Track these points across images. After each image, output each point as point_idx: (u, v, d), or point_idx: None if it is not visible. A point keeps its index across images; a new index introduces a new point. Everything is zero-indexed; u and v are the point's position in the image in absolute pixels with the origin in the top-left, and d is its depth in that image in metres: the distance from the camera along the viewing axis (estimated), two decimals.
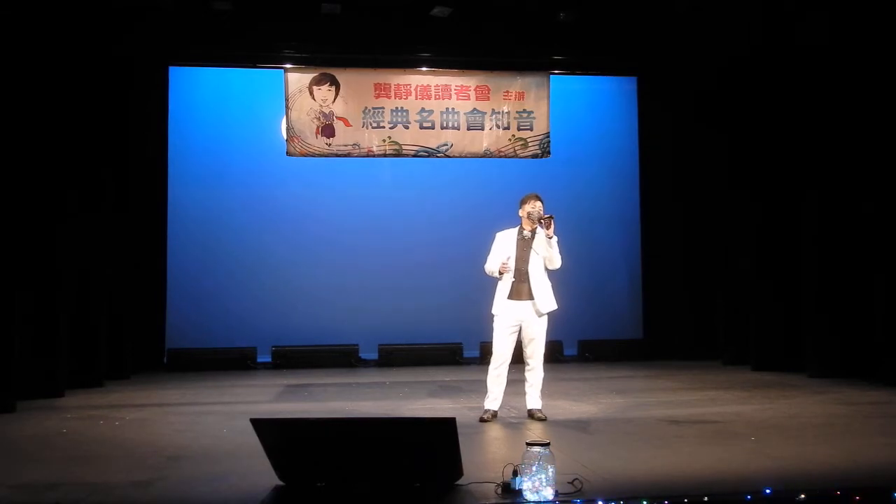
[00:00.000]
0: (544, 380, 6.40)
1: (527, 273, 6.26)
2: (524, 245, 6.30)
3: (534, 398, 6.34)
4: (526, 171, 10.76)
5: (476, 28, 9.87)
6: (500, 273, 6.26)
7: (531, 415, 6.31)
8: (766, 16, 9.34)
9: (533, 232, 6.29)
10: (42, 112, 7.84)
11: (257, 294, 10.93)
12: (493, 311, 6.35)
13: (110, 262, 9.22)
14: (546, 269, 6.33)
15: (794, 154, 9.27)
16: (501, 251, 6.33)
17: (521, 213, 6.36)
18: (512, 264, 6.25)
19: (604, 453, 5.08)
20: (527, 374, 6.36)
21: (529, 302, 6.26)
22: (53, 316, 7.91)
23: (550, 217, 6.16)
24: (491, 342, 6.40)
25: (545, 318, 6.31)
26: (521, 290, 6.26)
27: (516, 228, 6.37)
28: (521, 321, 6.27)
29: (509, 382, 6.40)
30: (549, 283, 6.34)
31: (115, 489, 4.32)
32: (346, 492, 4.19)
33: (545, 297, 6.28)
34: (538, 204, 6.28)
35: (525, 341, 6.31)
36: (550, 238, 6.17)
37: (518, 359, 6.37)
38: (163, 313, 10.67)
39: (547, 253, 6.23)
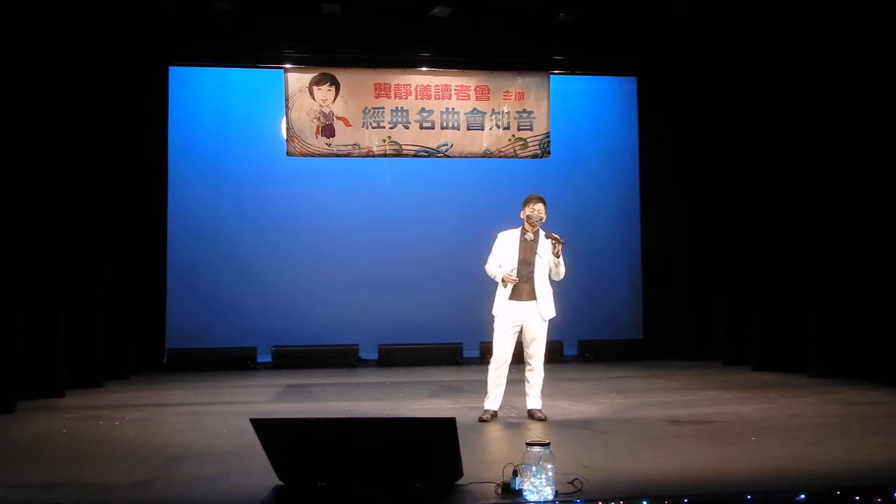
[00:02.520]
0: (544, 380, 6.40)
1: (530, 274, 6.25)
2: (527, 247, 6.27)
3: (534, 398, 6.34)
4: (526, 171, 10.77)
5: (476, 28, 9.86)
6: (504, 282, 6.23)
7: (531, 415, 6.31)
8: (766, 16, 9.34)
9: (536, 234, 6.28)
10: (42, 112, 7.84)
11: (257, 294, 10.94)
12: (494, 311, 6.32)
13: (110, 262, 9.22)
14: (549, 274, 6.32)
15: (795, 154, 9.26)
16: (503, 252, 6.31)
17: (521, 215, 6.34)
18: (515, 271, 6.21)
19: (604, 453, 5.08)
20: (527, 375, 6.35)
21: (532, 302, 6.24)
22: (53, 316, 7.91)
23: (561, 242, 6.13)
24: (491, 342, 6.39)
25: (547, 320, 6.31)
26: (522, 290, 6.24)
27: (519, 229, 6.35)
28: (523, 322, 6.26)
29: (509, 382, 6.39)
30: (550, 289, 6.31)
31: (115, 489, 4.32)
32: (346, 492, 4.19)
33: (547, 301, 6.26)
34: (538, 206, 6.26)
35: (526, 342, 6.30)
36: (558, 257, 6.17)
37: (518, 359, 6.37)
38: (163, 313, 10.68)
39: (552, 264, 6.23)
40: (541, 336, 6.28)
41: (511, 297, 6.24)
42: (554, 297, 6.34)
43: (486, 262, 6.41)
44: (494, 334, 6.31)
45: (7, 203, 7.21)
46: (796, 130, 9.20)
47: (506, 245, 6.32)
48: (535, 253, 6.25)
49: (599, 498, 3.93)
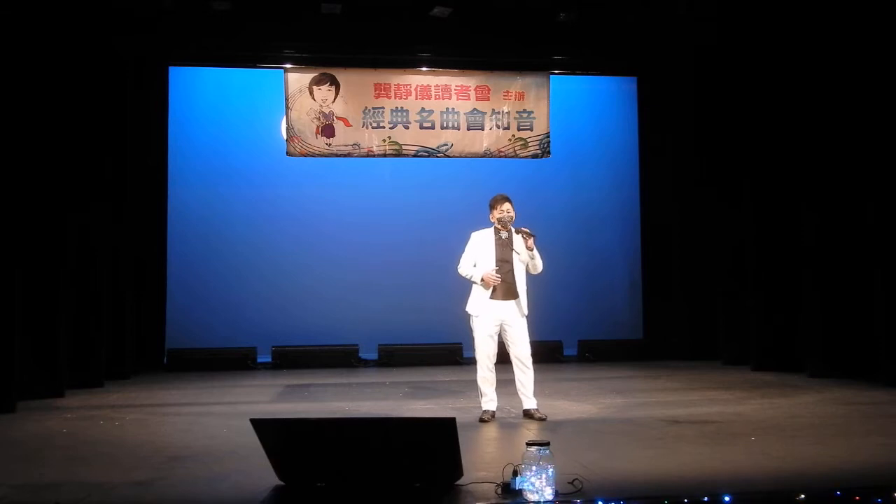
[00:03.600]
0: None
1: (509, 272, 6.23)
2: (503, 245, 6.27)
3: (529, 399, 6.31)
4: (526, 171, 10.78)
5: (476, 28, 9.86)
6: (485, 282, 6.17)
7: (530, 415, 6.27)
8: (766, 16, 9.34)
9: (510, 232, 6.28)
10: (42, 113, 7.84)
11: (257, 294, 10.95)
12: (472, 311, 6.28)
13: (110, 262, 9.22)
14: (528, 272, 6.32)
15: (794, 153, 9.26)
16: (478, 252, 6.29)
17: (491, 218, 6.33)
18: (493, 258, 6.21)
19: (604, 453, 5.08)
20: (518, 376, 6.29)
21: (512, 302, 6.23)
22: (53, 316, 7.91)
23: (532, 235, 6.14)
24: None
25: (525, 316, 6.30)
26: (501, 289, 6.21)
27: (492, 229, 6.34)
28: (503, 321, 6.23)
29: (505, 383, 6.39)
30: (525, 287, 6.30)
31: (115, 489, 4.32)
32: (346, 492, 4.19)
33: (525, 298, 6.26)
34: (506, 206, 6.26)
35: (509, 342, 6.26)
36: (531, 251, 6.16)
37: (503, 358, 6.35)
38: (163, 313, 10.68)
39: (531, 265, 6.23)
40: (522, 334, 6.25)
41: (492, 297, 6.22)
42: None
43: (458, 264, 6.38)
44: (475, 335, 6.30)
45: (7, 203, 7.21)
46: (796, 129, 9.20)
47: (481, 245, 6.31)
48: (513, 250, 6.25)
49: (599, 498, 3.92)
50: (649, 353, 11.06)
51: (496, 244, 6.27)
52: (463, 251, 6.40)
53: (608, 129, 11.83)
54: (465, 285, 6.43)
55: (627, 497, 3.96)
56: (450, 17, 9.56)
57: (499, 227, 6.29)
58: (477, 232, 6.39)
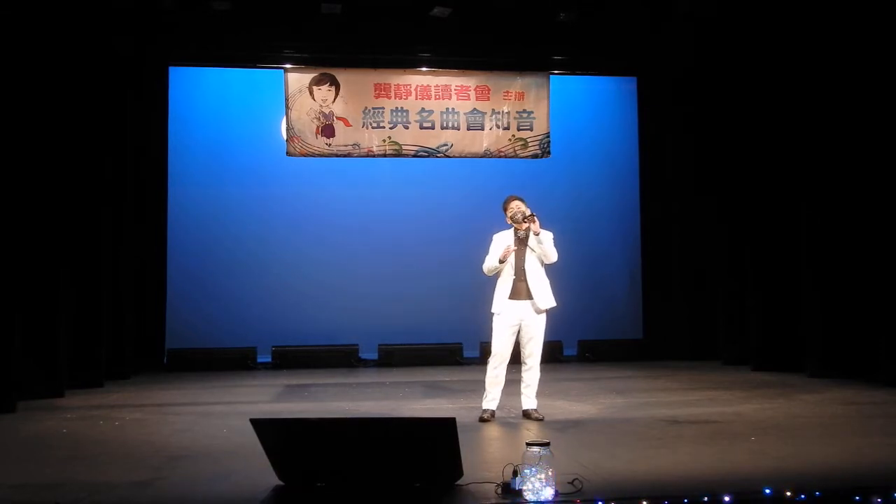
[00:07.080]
0: (544, 380, 6.41)
1: (524, 271, 6.29)
2: (521, 244, 6.33)
3: (530, 399, 6.34)
4: (526, 171, 10.77)
5: (476, 28, 9.87)
6: (502, 260, 6.24)
7: (528, 415, 6.30)
8: (766, 15, 9.34)
9: (527, 231, 6.32)
10: (43, 113, 7.84)
11: (257, 294, 10.95)
12: (494, 309, 6.35)
13: (110, 262, 9.22)
14: (544, 266, 6.35)
15: (794, 153, 9.26)
16: (498, 252, 6.34)
17: (507, 219, 6.41)
18: (512, 259, 6.26)
19: (604, 453, 5.08)
20: (524, 375, 6.35)
21: (529, 301, 6.28)
22: (53, 316, 7.90)
23: (531, 217, 6.18)
24: (490, 342, 6.41)
25: (544, 316, 6.32)
26: (520, 288, 6.28)
27: (511, 230, 6.41)
28: (522, 320, 6.28)
29: (507, 382, 6.40)
30: (547, 281, 6.36)
31: (115, 489, 4.32)
32: (346, 492, 4.19)
33: (544, 295, 6.30)
34: (515, 203, 6.34)
35: (524, 340, 6.32)
36: (537, 235, 6.20)
37: (514, 359, 6.37)
38: (163, 313, 10.68)
39: (539, 250, 6.26)
40: (538, 335, 6.30)
41: (511, 297, 6.28)
42: (554, 290, 6.35)
43: (482, 263, 6.43)
44: (494, 332, 6.34)
45: (6, 204, 7.21)
46: (796, 128, 9.19)
47: (502, 245, 6.36)
48: (529, 248, 6.31)
49: (599, 498, 3.92)
50: (649, 353, 11.06)
51: (515, 244, 6.34)
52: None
53: (608, 129, 11.82)
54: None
55: (627, 497, 3.96)
56: (450, 17, 9.56)
57: (515, 225, 6.35)
58: (498, 234, 6.47)
